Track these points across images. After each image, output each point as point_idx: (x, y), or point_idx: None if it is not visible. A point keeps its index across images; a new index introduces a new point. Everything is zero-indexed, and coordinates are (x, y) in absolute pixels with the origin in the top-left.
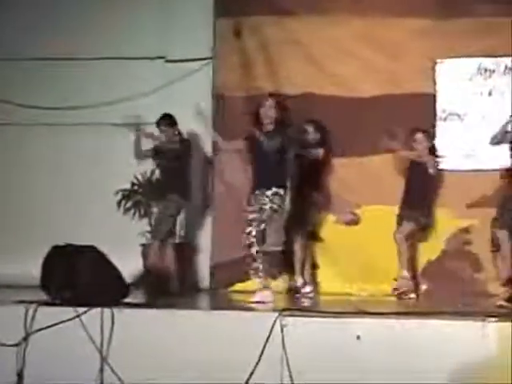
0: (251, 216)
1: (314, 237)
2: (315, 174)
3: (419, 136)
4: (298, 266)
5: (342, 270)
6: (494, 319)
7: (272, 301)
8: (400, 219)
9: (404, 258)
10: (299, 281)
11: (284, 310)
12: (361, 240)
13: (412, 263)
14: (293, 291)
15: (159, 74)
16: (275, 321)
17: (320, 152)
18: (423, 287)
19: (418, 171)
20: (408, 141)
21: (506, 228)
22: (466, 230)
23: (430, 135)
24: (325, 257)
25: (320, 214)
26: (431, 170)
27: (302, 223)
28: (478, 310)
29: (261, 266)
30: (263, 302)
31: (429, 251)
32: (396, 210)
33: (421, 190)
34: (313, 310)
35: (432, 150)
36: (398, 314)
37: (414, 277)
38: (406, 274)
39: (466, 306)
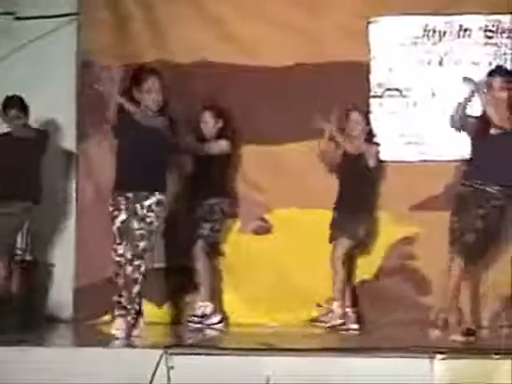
0: (117, 225)
1: (215, 251)
2: (215, 172)
3: (354, 116)
4: (203, 289)
5: (247, 294)
6: (442, 356)
7: (141, 335)
8: (334, 233)
9: (340, 284)
10: (206, 308)
11: (170, 346)
12: (273, 254)
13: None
14: (192, 321)
15: (5, 35)
16: (160, 360)
17: (222, 145)
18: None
19: (354, 164)
20: (338, 123)
21: (459, 253)
22: (410, 241)
23: (368, 116)
24: (227, 276)
25: (223, 222)
26: (371, 162)
27: (199, 234)
28: (423, 345)
29: (135, 290)
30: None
31: (362, 268)
32: (320, 213)
33: (358, 189)
34: (207, 346)
35: (369, 136)
36: (318, 350)
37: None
38: (339, 302)
39: (408, 340)
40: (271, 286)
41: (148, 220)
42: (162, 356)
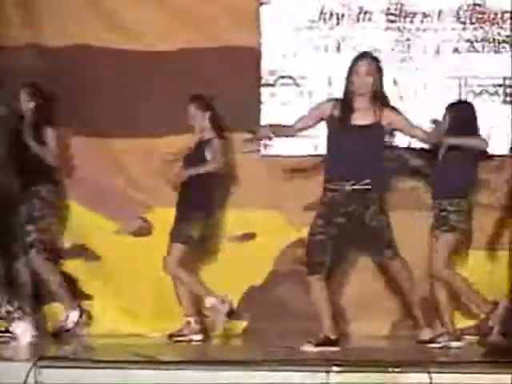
0: None
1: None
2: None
3: (192, 109)
4: (61, 296)
5: (126, 302)
6: (339, 369)
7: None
8: (170, 236)
9: (186, 291)
10: (70, 317)
11: (41, 359)
12: (152, 257)
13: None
14: (58, 332)
15: None
16: (28, 373)
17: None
18: (242, 324)
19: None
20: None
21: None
22: (304, 243)
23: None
24: (102, 282)
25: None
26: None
27: (29, 243)
28: (315, 357)
29: None
30: None
31: (252, 273)
32: None
33: (198, 188)
34: (79, 359)
35: (216, 125)
36: (199, 362)
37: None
38: (191, 310)
39: (299, 351)
40: (152, 292)
41: None
42: (30, 369)
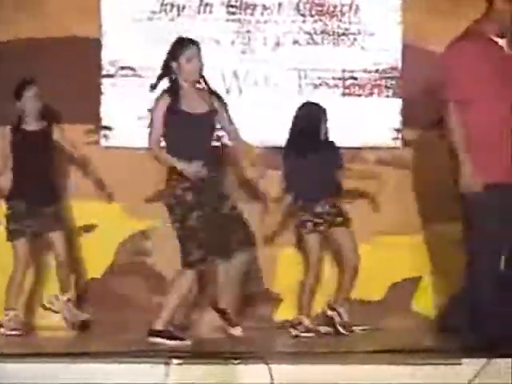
0: None
1: None
2: None
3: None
4: None
5: None
6: (179, 361)
7: None
8: None
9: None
10: None
11: None
12: None
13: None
14: None
15: None
16: None
17: None
18: (81, 317)
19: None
20: None
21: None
22: (144, 235)
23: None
24: None
25: None
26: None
27: None
28: (157, 349)
29: None
30: None
31: (92, 265)
32: None
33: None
34: None
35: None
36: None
37: None
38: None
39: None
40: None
41: None
42: None
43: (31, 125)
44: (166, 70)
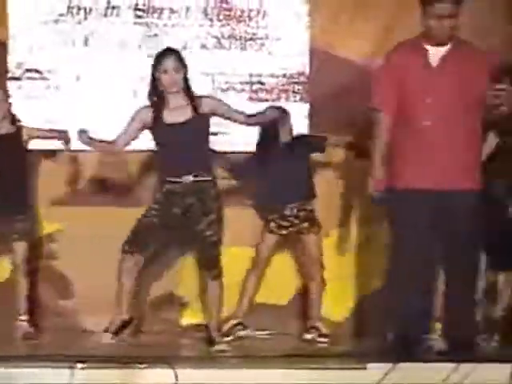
0: None
1: None
2: None
3: None
4: None
5: None
6: (83, 365)
7: None
8: None
9: None
10: None
11: None
12: None
13: None
14: None
15: None
16: None
17: None
18: None
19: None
20: None
21: None
22: (51, 238)
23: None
24: None
25: None
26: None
27: None
28: (64, 353)
29: None
30: None
31: None
32: None
33: None
34: None
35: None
36: None
37: None
38: None
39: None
40: None
41: None
42: None
43: None
44: (153, 84)
